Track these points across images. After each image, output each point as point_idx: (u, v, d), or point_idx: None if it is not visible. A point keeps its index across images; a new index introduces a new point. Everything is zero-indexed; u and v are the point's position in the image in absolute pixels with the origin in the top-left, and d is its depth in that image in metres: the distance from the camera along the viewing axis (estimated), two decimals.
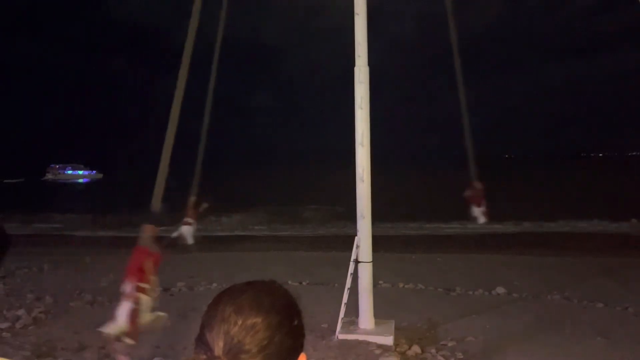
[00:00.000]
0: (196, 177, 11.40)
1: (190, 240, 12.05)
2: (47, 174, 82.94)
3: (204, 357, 0.87)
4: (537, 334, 6.93)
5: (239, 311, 0.91)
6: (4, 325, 7.39)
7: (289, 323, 0.95)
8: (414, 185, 50.97)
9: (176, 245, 11.83)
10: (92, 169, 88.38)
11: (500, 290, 9.45)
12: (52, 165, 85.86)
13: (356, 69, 6.97)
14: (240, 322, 0.90)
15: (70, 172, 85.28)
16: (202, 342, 0.91)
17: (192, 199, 11.78)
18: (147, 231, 6.15)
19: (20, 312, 7.92)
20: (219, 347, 0.88)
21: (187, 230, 12.00)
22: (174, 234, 11.89)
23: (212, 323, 0.91)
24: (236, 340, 0.88)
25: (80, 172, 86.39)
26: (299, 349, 0.97)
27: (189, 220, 11.94)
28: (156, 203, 6.89)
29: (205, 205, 12.07)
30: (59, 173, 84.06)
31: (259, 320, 0.91)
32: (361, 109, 6.95)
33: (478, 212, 10.80)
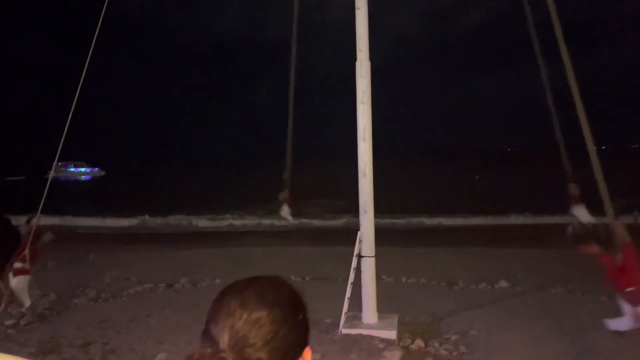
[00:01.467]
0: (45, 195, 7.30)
1: (27, 301, 7.54)
2: (49, 171, 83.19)
3: (210, 350, 0.88)
4: (541, 327, 6.93)
5: (244, 305, 0.92)
6: (9, 322, 7.43)
7: (293, 317, 0.96)
8: (413, 179, 50.95)
9: (7, 310, 7.51)
10: (94, 166, 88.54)
11: (504, 283, 9.45)
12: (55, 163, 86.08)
13: (357, 63, 6.95)
14: (245, 317, 0.90)
15: (72, 169, 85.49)
16: (207, 336, 0.92)
17: (32, 217, 7.58)
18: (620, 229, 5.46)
19: (25, 309, 7.96)
20: (224, 340, 0.89)
21: (21, 284, 7.37)
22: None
23: (217, 317, 0.92)
24: (241, 334, 0.89)
25: (83, 170, 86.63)
26: (303, 343, 0.98)
27: (23, 265, 7.16)
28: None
29: (48, 236, 8.07)
30: (62, 170, 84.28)
31: (263, 314, 0.91)
32: (363, 103, 6.93)
33: (287, 211, 10.93)
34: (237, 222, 25.86)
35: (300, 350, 0.96)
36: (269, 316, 0.91)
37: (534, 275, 10.04)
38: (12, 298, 7.61)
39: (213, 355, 0.87)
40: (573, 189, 9.29)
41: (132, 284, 9.83)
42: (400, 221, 22.96)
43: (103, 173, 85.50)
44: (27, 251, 7.16)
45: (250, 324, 0.90)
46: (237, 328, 0.89)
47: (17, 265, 7.17)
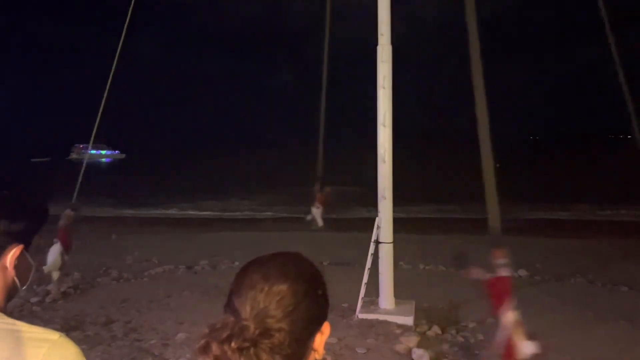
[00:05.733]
0: None
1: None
2: (71, 153, 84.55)
3: (232, 319, 0.91)
4: (559, 317, 6.88)
5: (266, 278, 0.95)
6: (35, 299, 7.65)
7: (313, 291, 0.99)
8: (432, 166, 50.55)
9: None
10: (114, 149, 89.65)
11: (523, 272, 9.37)
12: (77, 145, 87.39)
13: (379, 48, 6.89)
14: (266, 289, 0.93)
15: (93, 151, 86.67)
16: (230, 307, 0.95)
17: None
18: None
19: (50, 287, 8.18)
20: (246, 311, 0.92)
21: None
22: None
23: (240, 290, 0.95)
24: (263, 306, 0.92)
25: (103, 152, 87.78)
26: (323, 317, 1.01)
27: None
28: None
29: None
30: (82, 153, 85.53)
31: (285, 287, 0.94)
32: (383, 88, 6.88)
33: None
34: (256, 207, 26.03)
35: (319, 324, 0.99)
36: (290, 289, 0.94)
37: (554, 265, 9.94)
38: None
39: (236, 324, 0.89)
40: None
41: (153, 265, 10.02)
42: (419, 208, 22.84)
43: (123, 156, 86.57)
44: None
45: (271, 296, 0.92)
46: (259, 300, 0.92)
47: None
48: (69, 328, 6.42)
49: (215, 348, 0.87)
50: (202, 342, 0.89)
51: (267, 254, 1.03)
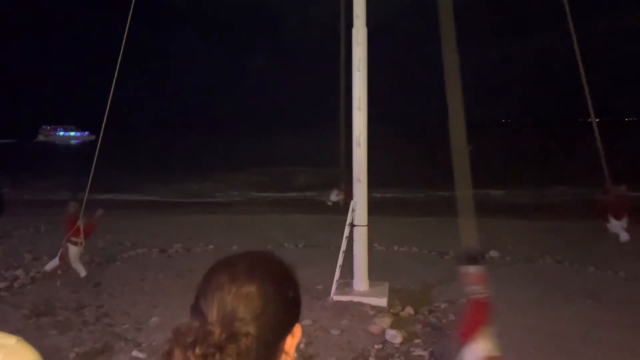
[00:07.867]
0: None
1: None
2: (39, 135, 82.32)
3: (197, 324, 0.87)
4: (529, 296, 7.07)
5: (233, 279, 0.91)
6: (3, 284, 7.47)
7: (284, 294, 0.94)
8: (404, 150, 50.97)
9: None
10: (84, 130, 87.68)
11: (494, 253, 9.59)
12: (44, 127, 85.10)
13: (354, 30, 6.83)
14: (234, 290, 0.89)
15: (62, 133, 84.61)
16: (196, 310, 0.90)
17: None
18: None
19: (19, 272, 8.00)
20: (212, 314, 0.87)
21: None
22: None
23: (206, 291, 0.90)
24: (230, 308, 0.87)
25: (72, 134, 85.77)
26: (293, 320, 0.96)
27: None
28: None
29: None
30: (51, 134, 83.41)
31: (253, 289, 0.90)
32: (359, 71, 6.84)
33: None
34: (232, 191, 25.82)
35: (290, 327, 0.95)
36: (259, 291, 0.90)
37: (524, 245, 10.19)
38: None
39: (200, 328, 0.85)
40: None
41: (126, 249, 9.88)
42: (394, 191, 23.03)
43: (93, 137, 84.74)
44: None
45: (239, 298, 0.88)
46: (226, 302, 0.88)
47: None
48: (38, 313, 6.29)
49: (178, 354, 0.83)
50: (166, 347, 0.85)
51: (236, 253, 1.00)
